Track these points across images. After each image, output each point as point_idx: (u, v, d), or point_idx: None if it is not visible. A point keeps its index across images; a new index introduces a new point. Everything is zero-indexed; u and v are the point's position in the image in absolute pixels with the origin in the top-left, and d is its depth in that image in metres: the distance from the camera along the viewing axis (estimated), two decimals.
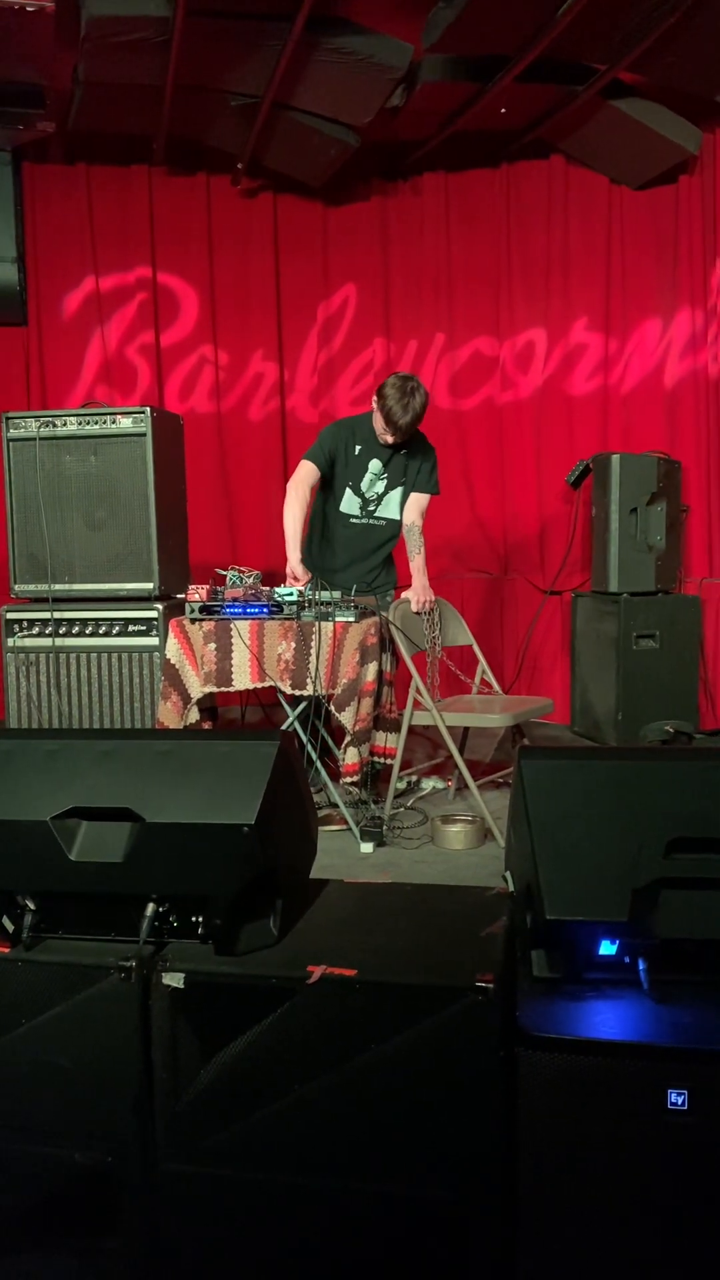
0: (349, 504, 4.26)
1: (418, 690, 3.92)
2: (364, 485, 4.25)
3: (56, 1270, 1.77)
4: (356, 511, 4.28)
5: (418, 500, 4.27)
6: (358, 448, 4.21)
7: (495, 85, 4.69)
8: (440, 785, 4.48)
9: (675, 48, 4.27)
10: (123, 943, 1.74)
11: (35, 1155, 1.75)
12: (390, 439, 4.10)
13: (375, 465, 4.22)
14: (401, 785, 4.36)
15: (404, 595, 4.17)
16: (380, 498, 4.27)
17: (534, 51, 4.32)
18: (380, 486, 4.25)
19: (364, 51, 4.39)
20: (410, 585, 4.26)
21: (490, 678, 4.39)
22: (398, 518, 4.29)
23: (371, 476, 4.24)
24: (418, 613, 4.14)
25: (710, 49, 4.27)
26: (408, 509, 4.28)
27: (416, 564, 4.25)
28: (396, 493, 4.27)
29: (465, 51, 4.58)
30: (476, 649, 4.41)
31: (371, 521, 4.29)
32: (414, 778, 4.52)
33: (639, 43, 4.22)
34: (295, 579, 4.01)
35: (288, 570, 4.09)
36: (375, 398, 4.06)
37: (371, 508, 4.28)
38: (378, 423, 4.09)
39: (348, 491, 4.25)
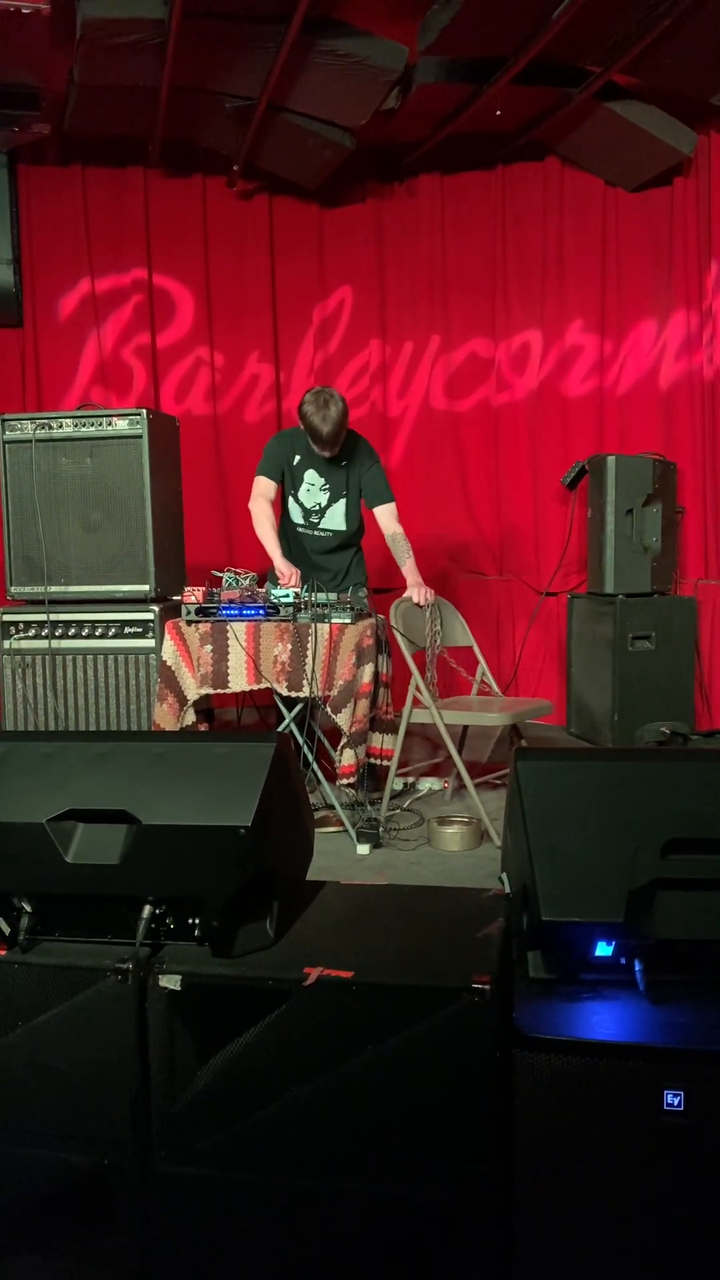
0: (295, 513, 4.34)
1: (418, 687, 3.93)
2: (303, 496, 4.30)
3: (53, 1272, 1.76)
4: (301, 521, 4.34)
5: (384, 511, 4.29)
6: (297, 458, 4.27)
7: (491, 87, 4.69)
8: (437, 786, 4.48)
9: (670, 50, 4.28)
10: (119, 945, 1.74)
11: (32, 1157, 1.75)
12: (324, 453, 4.16)
13: (312, 476, 4.27)
14: (399, 786, 4.37)
15: (406, 594, 4.18)
16: (323, 509, 4.31)
17: (529, 54, 4.33)
18: (322, 498, 4.30)
19: (359, 54, 4.39)
20: (406, 587, 4.27)
21: (490, 679, 4.39)
22: (343, 528, 4.33)
23: (309, 487, 4.29)
24: (420, 605, 4.14)
25: (705, 51, 4.28)
26: (380, 522, 4.31)
27: (408, 567, 4.26)
28: (340, 504, 4.30)
29: (461, 54, 4.58)
30: (476, 650, 4.41)
31: (316, 532, 4.34)
32: (410, 779, 4.52)
33: (634, 45, 4.23)
34: (284, 576, 4.03)
35: (276, 571, 4.11)
36: (299, 415, 4.12)
37: (314, 519, 4.33)
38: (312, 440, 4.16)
39: (291, 501, 4.33)
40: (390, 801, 4.10)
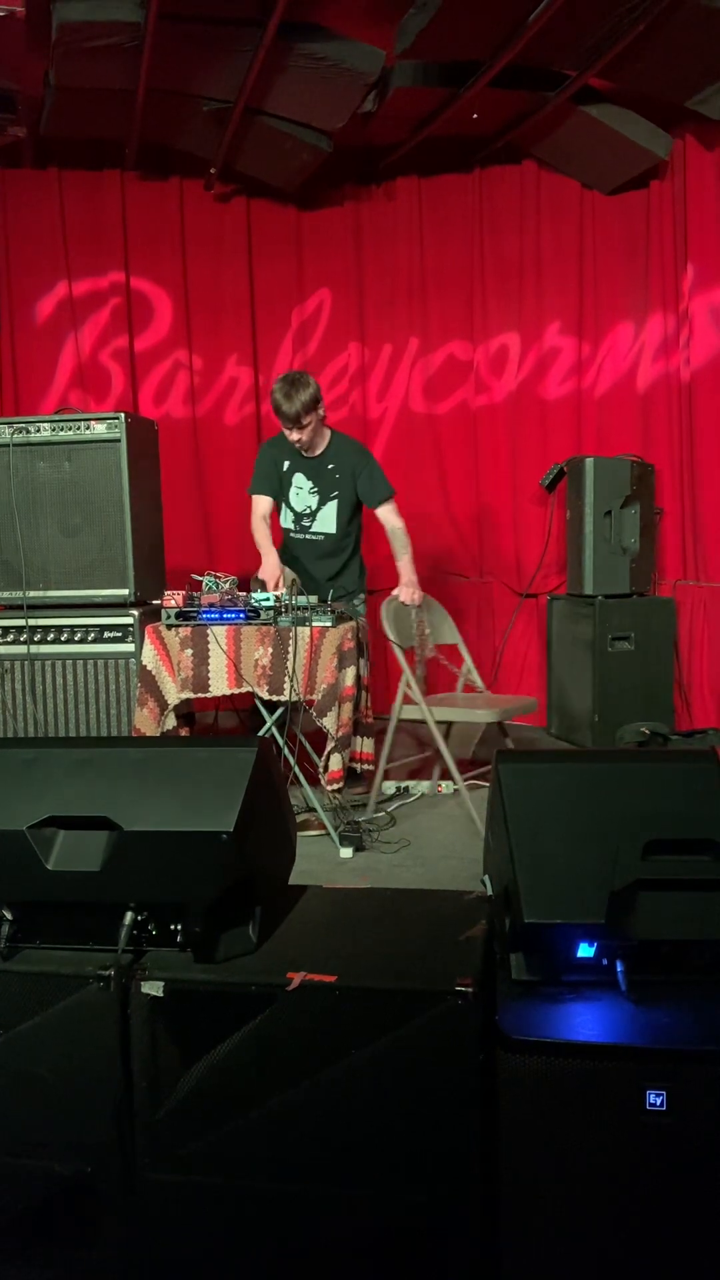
0: (285, 519, 4.35)
1: (408, 684, 3.94)
2: (293, 499, 4.32)
3: None
4: (292, 526, 4.35)
5: (383, 510, 4.30)
6: (285, 463, 4.28)
7: (467, 91, 4.70)
8: (427, 789, 4.47)
9: (645, 54, 4.30)
10: (101, 951, 1.73)
11: (15, 1166, 1.74)
12: (294, 436, 4.13)
13: (299, 479, 4.29)
14: (390, 789, 4.37)
15: (394, 592, 4.19)
16: (313, 513, 4.32)
17: (505, 57, 4.34)
18: (312, 501, 4.30)
19: (336, 57, 4.40)
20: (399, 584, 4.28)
21: (475, 677, 4.40)
22: (334, 531, 4.33)
23: (298, 490, 4.30)
24: (406, 604, 4.16)
25: (679, 56, 4.30)
26: (380, 519, 4.32)
27: (403, 563, 4.29)
28: (331, 506, 4.30)
29: (437, 57, 4.60)
30: (462, 647, 4.43)
31: (308, 536, 4.35)
32: (406, 784, 4.51)
33: (609, 49, 4.25)
34: (267, 581, 4.04)
35: (261, 574, 4.12)
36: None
37: (305, 522, 4.34)
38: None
39: (284, 506, 4.34)
40: (379, 805, 4.11)
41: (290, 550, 4.35)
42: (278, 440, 4.31)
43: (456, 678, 4.46)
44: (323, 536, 4.34)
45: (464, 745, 4.75)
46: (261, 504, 4.29)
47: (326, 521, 4.32)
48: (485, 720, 4.09)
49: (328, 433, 4.29)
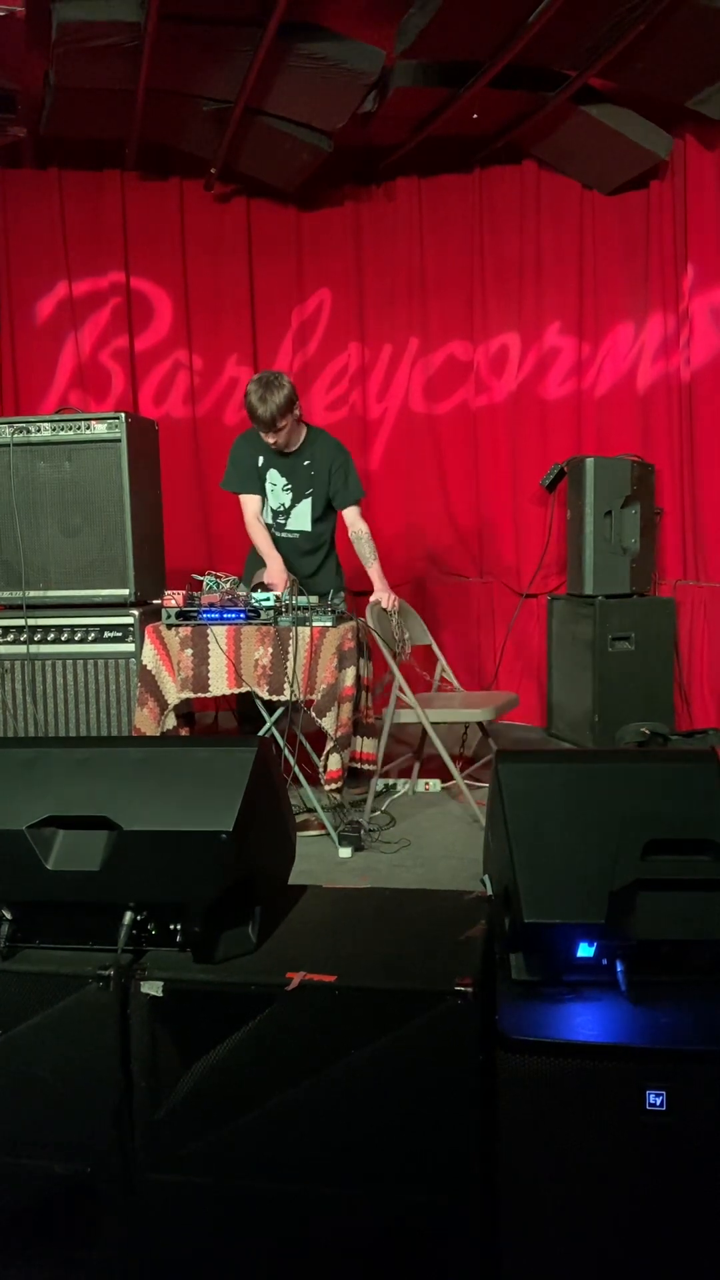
0: (265, 515, 4.32)
1: (401, 688, 3.95)
2: (269, 496, 4.29)
3: None
4: (270, 523, 4.32)
5: (349, 512, 4.29)
6: (260, 459, 4.25)
7: (467, 91, 4.70)
8: (410, 787, 4.47)
9: (645, 54, 4.30)
10: (101, 951, 1.73)
11: (15, 1166, 1.74)
12: (270, 439, 4.11)
13: (274, 475, 4.26)
14: (378, 788, 4.37)
15: (373, 599, 4.19)
16: (287, 510, 4.30)
17: (506, 57, 4.34)
18: (285, 499, 4.28)
19: (336, 57, 4.40)
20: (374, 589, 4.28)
21: (450, 676, 4.42)
22: (308, 529, 4.32)
23: (272, 487, 4.28)
24: (386, 610, 4.16)
25: (679, 56, 4.30)
26: (345, 521, 4.30)
27: (374, 570, 4.27)
28: (305, 504, 4.28)
29: (437, 57, 4.59)
30: (435, 648, 4.44)
31: (283, 534, 4.32)
32: (391, 781, 4.52)
33: (609, 49, 4.25)
34: (272, 585, 4.03)
35: (266, 578, 4.10)
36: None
37: (281, 519, 4.31)
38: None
39: (263, 504, 4.31)
40: (371, 803, 4.11)
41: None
42: (250, 435, 4.27)
43: (429, 679, 4.47)
44: (298, 534, 4.32)
45: (463, 745, 4.75)
46: (252, 503, 4.26)
47: (301, 519, 4.30)
48: (480, 719, 4.10)
49: (303, 429, 4.26)
